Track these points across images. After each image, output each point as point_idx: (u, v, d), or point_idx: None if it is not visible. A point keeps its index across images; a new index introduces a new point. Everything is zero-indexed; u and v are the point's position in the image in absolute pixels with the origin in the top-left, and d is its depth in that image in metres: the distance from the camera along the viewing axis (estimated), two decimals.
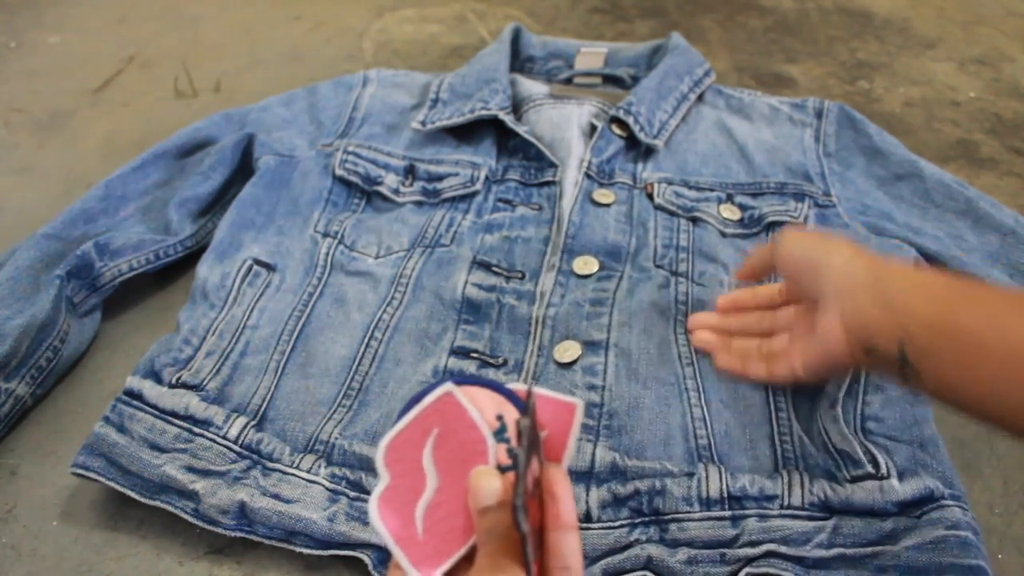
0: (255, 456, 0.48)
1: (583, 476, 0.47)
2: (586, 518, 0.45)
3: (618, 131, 0.69)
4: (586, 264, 0.60)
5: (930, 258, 0.61)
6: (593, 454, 0.48)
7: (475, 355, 0.54)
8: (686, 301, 0.57)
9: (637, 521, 0.45)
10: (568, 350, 0.53)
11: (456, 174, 0.68)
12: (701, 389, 0.52)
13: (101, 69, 0.95)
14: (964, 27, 1.01)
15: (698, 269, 0.60)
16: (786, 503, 0.44)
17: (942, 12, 1.05)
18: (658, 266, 0.60)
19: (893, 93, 0.89)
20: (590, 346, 0.54)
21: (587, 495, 0.46)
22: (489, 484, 0.31)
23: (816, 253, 0.45)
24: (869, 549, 0.42)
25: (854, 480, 0.45)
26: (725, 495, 0.45)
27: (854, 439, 0.46)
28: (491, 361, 0.54)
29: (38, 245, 0.60)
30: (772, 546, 0.42)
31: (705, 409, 0.50)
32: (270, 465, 0.48)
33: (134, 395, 0.50)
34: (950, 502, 0.43)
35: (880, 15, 1.05)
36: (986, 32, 1.00)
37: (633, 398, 0.51)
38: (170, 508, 0.47)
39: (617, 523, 0.45)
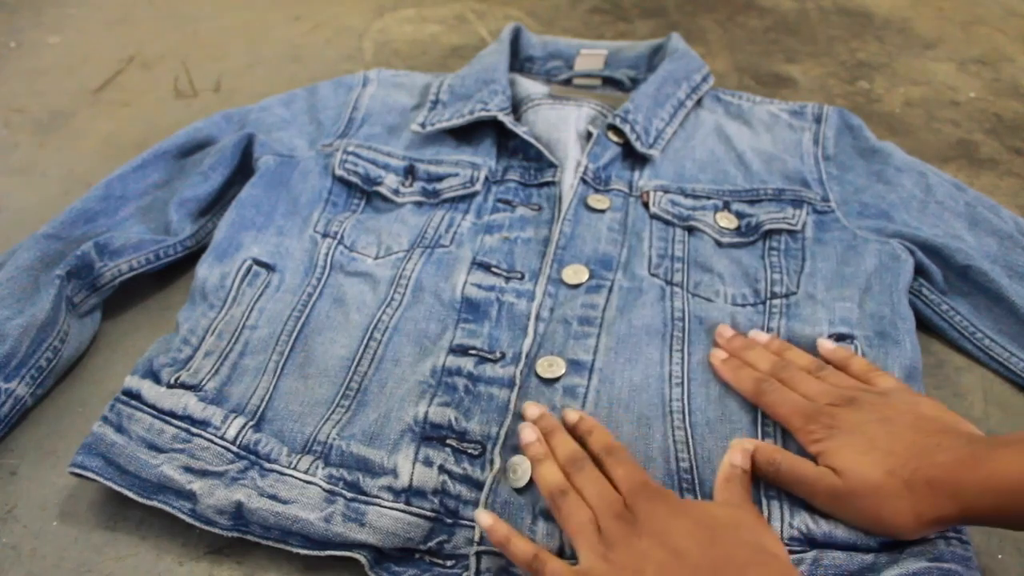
0: (253, 456, 0.48)
1: None
2: (559, 552, 0.44)
3: (614, 138, 0.69)
4: (576, 273, 0.59)
5: (930, 255, 0.61)
6: None
7: (473, 352, 0.54)
8: (683, 316, 0.57)
9: None
10: (552, 366, 0.53)
11: (456, 174, 0.68)
12: (687, 411, 0.51)
13: (101, 69, 0.95)
14: (964, 27, 1.01)
15: (693, 280, 0.60)
16: None
17: (942, 12, 1.05)
18: (652, 275, 0.60)
19: (893, 93, 0.88)
20: (574, 365, 0.53)
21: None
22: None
23: None
24: None
25: None
26: None
27: None
28: (489, 356, 0.54)
29: (38, 245, 0.60)
30: None
31: (689, 432, 0.50)
32: (267, 465, 0.48)
33: (133, 395, 0.50)
34: (933, 535, 0.42)
35: (880, 15, 1.05)
36: (986, 32, 1.00)
37: (614, 418, 0.50)
38: (167, 508, 0.47)
39: None
